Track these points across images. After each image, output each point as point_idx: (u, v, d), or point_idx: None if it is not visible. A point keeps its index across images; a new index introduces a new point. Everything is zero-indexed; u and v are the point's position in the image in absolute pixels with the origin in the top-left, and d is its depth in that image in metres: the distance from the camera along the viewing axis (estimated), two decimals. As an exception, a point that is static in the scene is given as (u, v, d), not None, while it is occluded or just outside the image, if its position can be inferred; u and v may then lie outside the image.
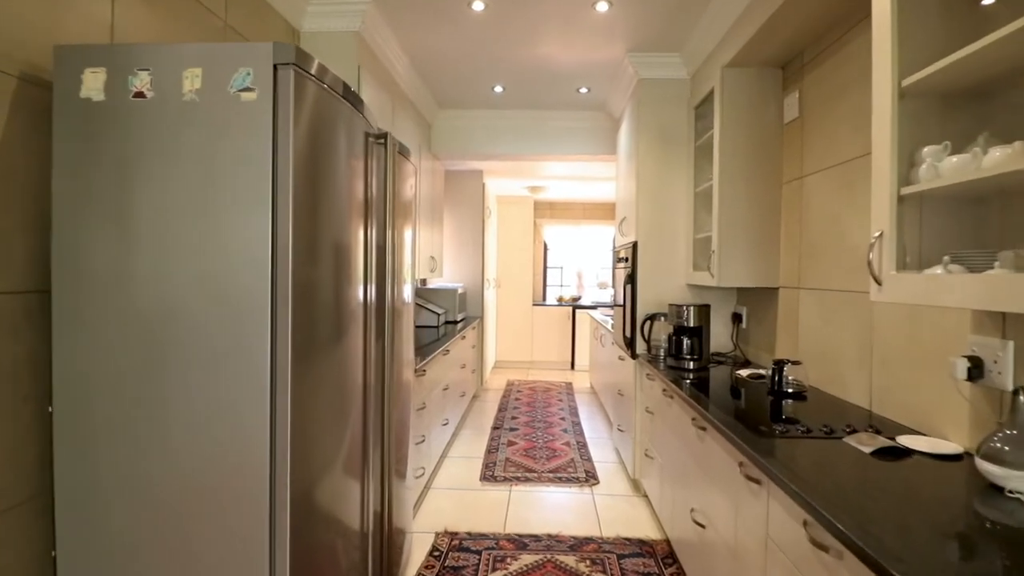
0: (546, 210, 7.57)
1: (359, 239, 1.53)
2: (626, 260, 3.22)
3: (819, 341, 2.11)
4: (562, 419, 4.54)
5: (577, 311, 6.85)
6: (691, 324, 2.58)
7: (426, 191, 3.97)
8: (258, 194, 1.12)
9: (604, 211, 7.51)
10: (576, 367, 6.85)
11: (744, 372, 2.37)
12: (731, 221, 2.48)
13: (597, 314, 5.42)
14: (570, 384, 5.98)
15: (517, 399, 5.21)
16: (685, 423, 2.09)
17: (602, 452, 3.76)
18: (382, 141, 1.67)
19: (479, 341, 5.32)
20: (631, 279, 3.07)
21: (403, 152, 1.98)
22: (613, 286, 7.68)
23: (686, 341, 2.59)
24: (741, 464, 1.51)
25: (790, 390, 2.03)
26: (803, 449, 1.40)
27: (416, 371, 2.59)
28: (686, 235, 3.01)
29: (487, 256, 5.68)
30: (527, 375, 6.49)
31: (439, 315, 4.27)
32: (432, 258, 4.17)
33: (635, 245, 3.05)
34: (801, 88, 2.29)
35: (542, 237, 7.58)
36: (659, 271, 3.04)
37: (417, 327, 4.16)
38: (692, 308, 2.59)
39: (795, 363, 2.04)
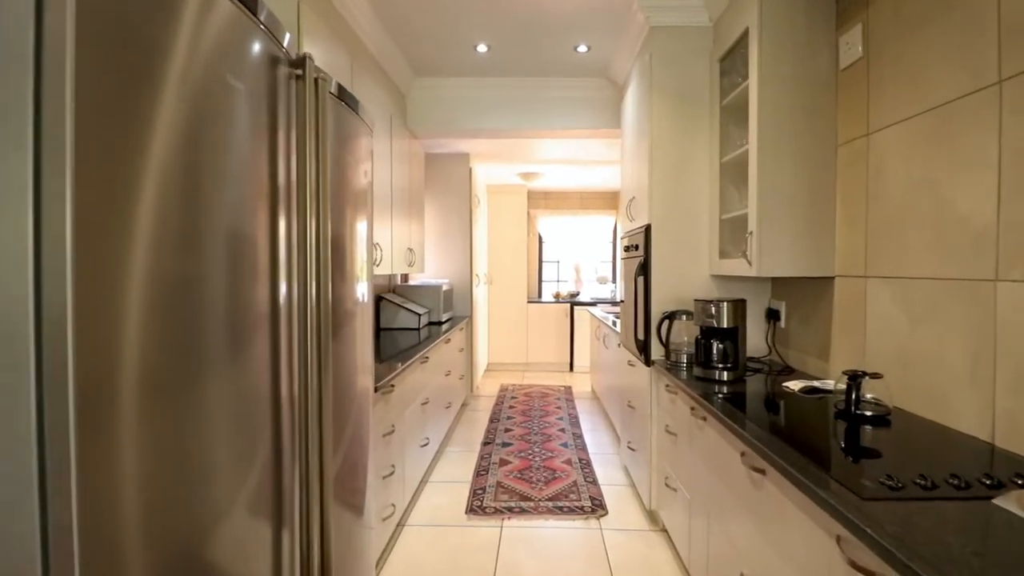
0: (540, 200, 7.05)
1: (260, 218, 1.01)
2: (636, 248, 2.71)
3: (902, 346, 1.61)
4: (561, 431, 4.04)
5: (575, 308, 6.34)
6: (724, 324, 2.07)
7: (402, 175, 3.45)
8: (11, 127, 0.60)
9: (603, 200, 7.00)
10: (575, 368, 6.35)
11: (794, 384, 1.87)
12: (773, 194, 1.97)
13: (598, 311, 4.91)
14: (569, 388, 5.47)
15: (511, 407, 4.70)
16: (729, 458, 1.58)
17: (609, 471, 3.26)
18: (300, 71, 1.15)
19: (468, 343, 4.79)
20: (644, 270, 2.56)
21: (347, 100, 1.45)
22: (614, 280, 7.19)
23: (717, 345, 2.08)
24: (840, 540, 1.00)
25: (868, 412, 1.53)
26: (938, 519, 0.90)
27: (380, 388, 2.08)
28: (710, 215, 2.50)
29: (476, 250, 5.15)
30: (522, 378, 5.97)
31: (420, 316, 3.75)
32: (410, 251, 3.65)
33: (648, 229, 2.54)
34: (866, 19, 1.78)
35: (536, 229, 7.06)
36: (677, 260, 2.53)
37: (394, 330, 3.64)
38: (725, 305, 2.08)
39: (874, 376, 1.54)
